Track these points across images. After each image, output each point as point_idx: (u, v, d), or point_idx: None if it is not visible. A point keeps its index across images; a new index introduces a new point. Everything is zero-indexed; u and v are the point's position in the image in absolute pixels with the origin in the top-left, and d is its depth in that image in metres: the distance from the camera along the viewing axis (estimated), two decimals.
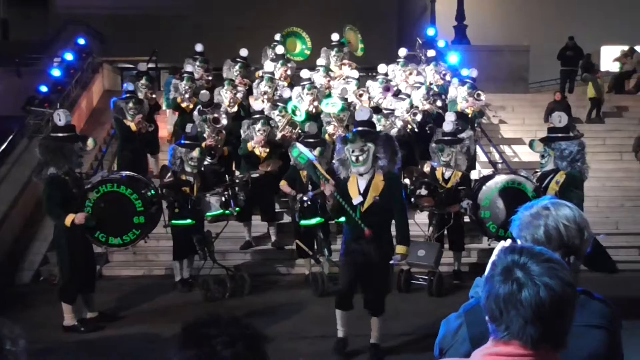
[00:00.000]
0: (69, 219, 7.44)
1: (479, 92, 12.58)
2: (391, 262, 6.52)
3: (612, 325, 2.38)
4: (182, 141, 9.49)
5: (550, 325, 1.80)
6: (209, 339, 1.66)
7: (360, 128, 6.68)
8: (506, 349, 1.84)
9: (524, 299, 1.78)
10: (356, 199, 6.49)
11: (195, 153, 9.31)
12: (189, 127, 9.82)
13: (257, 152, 10.68)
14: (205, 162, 10.27)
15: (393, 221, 6.66)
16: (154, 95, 13.00)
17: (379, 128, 10.93)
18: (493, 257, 2.57)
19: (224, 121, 11.42)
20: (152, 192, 8.61)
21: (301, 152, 7.25)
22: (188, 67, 13.16)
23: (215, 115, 11.32)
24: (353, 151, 6.44)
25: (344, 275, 6.74)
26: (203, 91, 11.90)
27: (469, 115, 12.38)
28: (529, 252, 1.86)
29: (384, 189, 6.45)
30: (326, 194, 6.68)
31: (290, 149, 7.77)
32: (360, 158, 6.42)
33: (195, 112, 11.70)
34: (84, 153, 7.80)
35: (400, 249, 6.56)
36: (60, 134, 7.70)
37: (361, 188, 6.51)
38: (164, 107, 13.99)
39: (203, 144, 10.85)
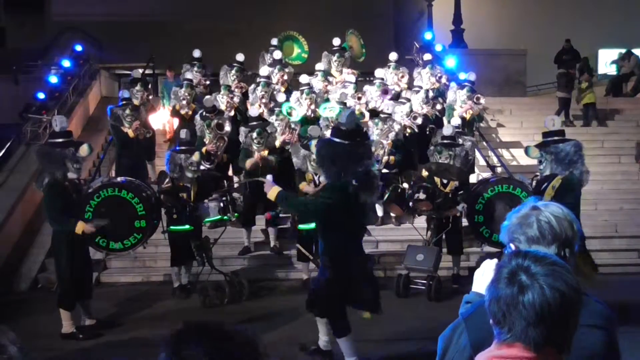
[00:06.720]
0: (79, 227, 7.44)
1: (478, 95, 12.57)
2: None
3: (611, 325, 2.40)
4: (178, 147, 9.45)
5: (554, 328, 1.79)
6: (180, 352, 1.58)
7: None
8: (510, 351, 1.84)
9: (527, 301, 1.78)
10: None
11: (195, 157, 9.21)
12: (182, 133, 9.74)
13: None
14: (203, 168, 10.21)
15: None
16: (150, 97, 12.98)
17: (376, 132, 10.97)
18: (479, 271, 2.59)
19: (228, 128, 11.37)
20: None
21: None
22: (187, 74, 13.12)
23: (219, 121, 11.28)
24: None
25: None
26: (207, 97, 11.87)
27: (467, 119, 12.35)
28: (533, 256, 1.87)
29: None
30: None
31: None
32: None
33: (197, 117, 11.63)
34: (80, 159, 7.73)
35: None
36: (57, 140, 7.70)
37: None
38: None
39: (203, 149, 10.81)
